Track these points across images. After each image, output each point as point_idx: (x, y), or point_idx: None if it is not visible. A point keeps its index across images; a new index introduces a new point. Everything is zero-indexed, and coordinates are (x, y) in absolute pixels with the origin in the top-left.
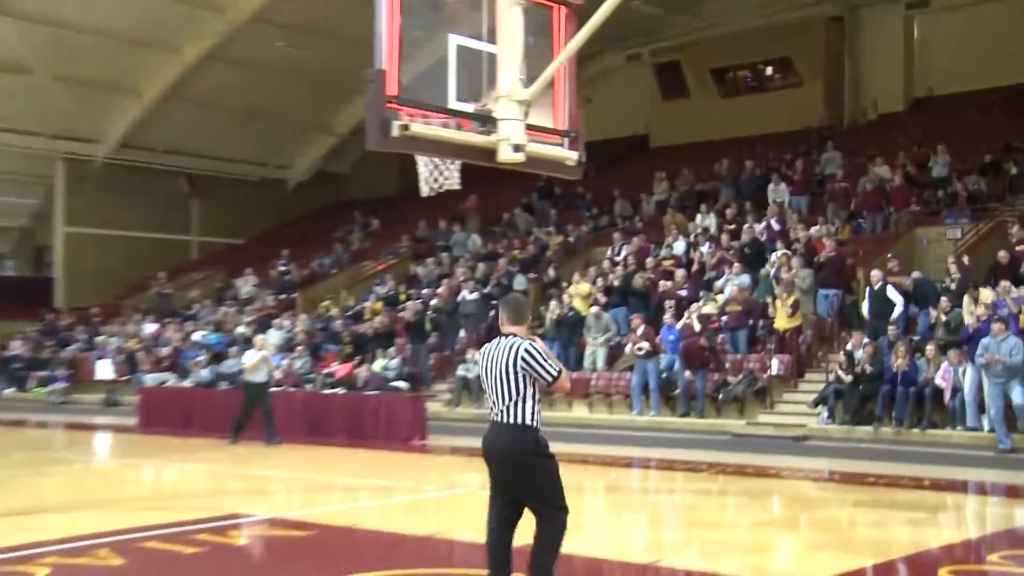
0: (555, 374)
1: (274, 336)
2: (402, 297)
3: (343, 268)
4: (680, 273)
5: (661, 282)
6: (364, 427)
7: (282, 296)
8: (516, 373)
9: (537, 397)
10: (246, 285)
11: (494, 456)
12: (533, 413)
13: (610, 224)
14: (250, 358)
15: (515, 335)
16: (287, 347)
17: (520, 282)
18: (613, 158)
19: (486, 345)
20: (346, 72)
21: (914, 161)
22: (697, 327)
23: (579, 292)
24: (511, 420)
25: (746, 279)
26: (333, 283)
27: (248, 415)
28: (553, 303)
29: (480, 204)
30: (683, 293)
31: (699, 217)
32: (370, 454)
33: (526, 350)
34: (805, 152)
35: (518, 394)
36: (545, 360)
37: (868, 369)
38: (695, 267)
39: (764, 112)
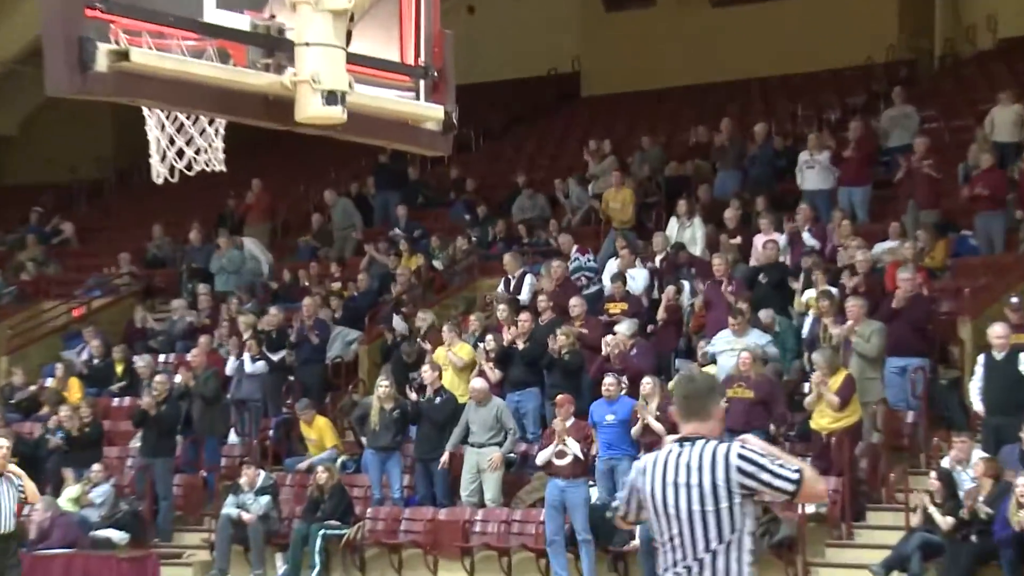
0: (795, 478)
1: None
2: (119, 369)
3: (3, 314)
4: (630, 328)
5: (606, 340)
6: None
7: None
8: (729, 497)
9: (756, 533)
10: None
11: None
12: (749, 564)
13: (509, 237)
14: None
15: (703, 437)
16: None
17: (342, 341)
18: (515, 117)
19: (648, 458)
20: None
21: None
22: (658, 427)
23: (452, 360)
24: None
25: (759, 339)
26: None
27: None
28: (385, 383)
29: (269, 198)
30: (638, 362)
31: (672, 224)
32: None
33: (741, 455)
34: (865, 107)
35: (732, 532)
36: (774, 461)
37: (983, 508)
38: (663, 315)
39: (787, 35)
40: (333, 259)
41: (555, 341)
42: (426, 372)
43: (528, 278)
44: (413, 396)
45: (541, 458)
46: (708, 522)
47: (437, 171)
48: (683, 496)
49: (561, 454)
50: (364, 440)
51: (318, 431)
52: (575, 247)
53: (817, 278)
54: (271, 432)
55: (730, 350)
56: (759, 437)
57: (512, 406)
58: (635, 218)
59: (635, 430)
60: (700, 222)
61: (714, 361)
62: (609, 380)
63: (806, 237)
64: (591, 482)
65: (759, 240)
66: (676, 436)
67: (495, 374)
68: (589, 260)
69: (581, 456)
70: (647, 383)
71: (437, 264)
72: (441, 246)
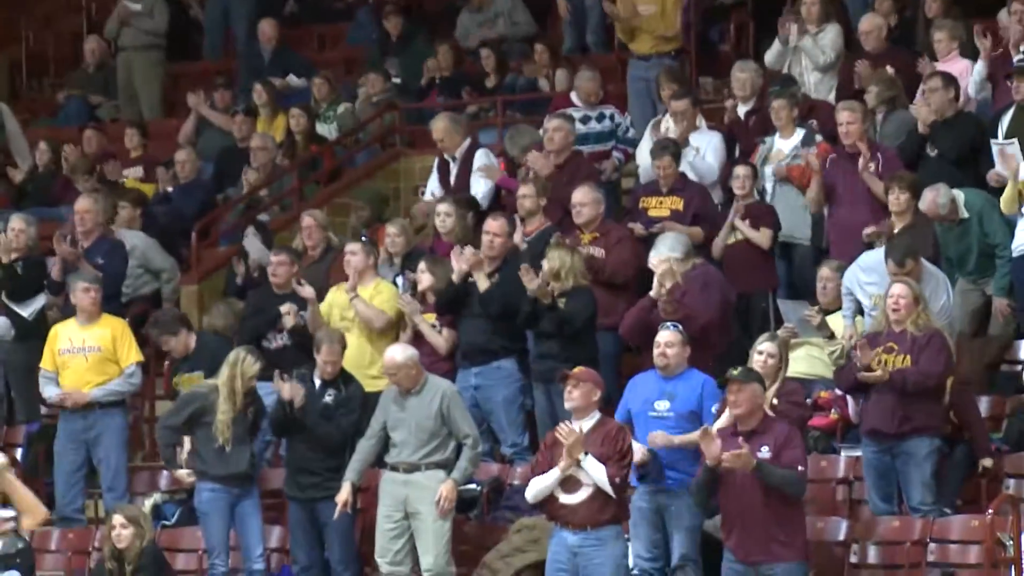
0: None
1: None
2: None
3: None
4: (676, 244)
5: (653, 265)
6: None
7: None
8: None
9: None
10: None
11: None
12: None
13: (459, 76)
14: None
15: None
16: None
17: (148, 275)
18: None
19: None
20: None
21: None
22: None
23: (360, 312)
24: None
25: (929, 280)
26: None
27: None
28: (250, 359)
29: None
30: (699, 303)
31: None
32: None
33: None
34: None
35: None
36: None
37: None
38: (738, 217)
39: None
40: (128, 122)
41: (549, 268)
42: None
43: (480, 155)
44: (284, 388)
45: (534, 491)
46: None
47: None
48: None
49: (572, 483)
50: (195, 467)
51: (112, 345)
52: (584, 94)
53: None
54: (19, 452)
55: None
56: (930, 452)
57: (468, 395)
58: (689, 33)
59: (721, 424)
60: (837, 32)
61: (860, 311)
62: (668, 335)
63: (1016, 66)
64: (626, 534)
65: (928, 74)
66: None
67: (445, 336)
68: (612, 119)
69: (610, 487)
70: (767, 348)
71: (325, 130)
72: (332, 96)
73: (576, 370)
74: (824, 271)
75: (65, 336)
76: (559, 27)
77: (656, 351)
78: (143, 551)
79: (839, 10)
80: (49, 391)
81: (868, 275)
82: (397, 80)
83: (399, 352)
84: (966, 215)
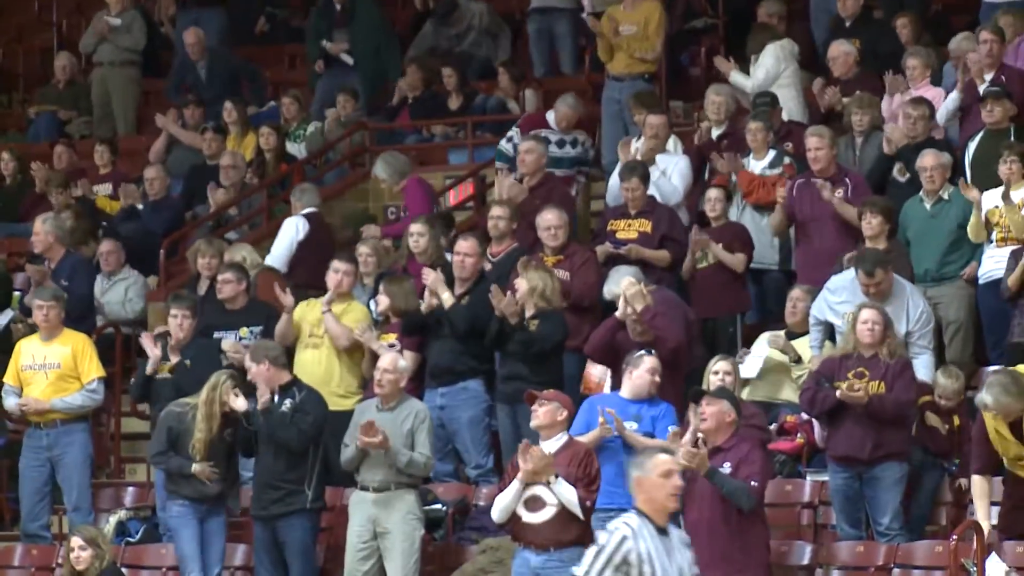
0: None
1: None
2: None
3: None
4: (634, 269)
5: (626, 283)
6: None
7: None
8: None
9: None
10: None
11: None
12: None
13: (425, 97)
14: None
15: None
16: None
17: (121, 293)
18: None
19: None
20: None
21: None
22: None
23: (331, 330)
24: None
25: (913, 300)
26: None
27: None
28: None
29: None
30: (667, 327)
31: (763, 64)
32: None
33: None
34: None
35: None
36: None
37: None
38: (701, 241)
39: None
40: (98, 138)
41: (500, 297)
42: (244, 361)
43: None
44: (238, 403)
45: (499, 509)
46: None
47: None
48: None
49: (535, 502)
50: (167, 486)
51: (73, 361)
52: (564, 119)
53: (1012, 169)
54: None
55: (845, 305)
56: (901, 476)
57: (434, 415)
58: (667, 58)
59: (686, 439)
60: (769, 53)
61: (832, 338)
62: (656, 363)
63: (988, 90)
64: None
65: (896, 100)
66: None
67: (409, 359)
68: (583, 144)
69: (576, 506)
70: (723, 367)
71: (295, 148)
72: (302, 115)
73: (545, 395)
74: (795, 291)
75: (28, 352)
76: (527, 48)
77: (649, 377)
78: (102, 573)
79: (807, 41)
80: (10, 402)
81: (838, 295)
82: (349, 58)
83: (390, 362)
84: (946, 197)
